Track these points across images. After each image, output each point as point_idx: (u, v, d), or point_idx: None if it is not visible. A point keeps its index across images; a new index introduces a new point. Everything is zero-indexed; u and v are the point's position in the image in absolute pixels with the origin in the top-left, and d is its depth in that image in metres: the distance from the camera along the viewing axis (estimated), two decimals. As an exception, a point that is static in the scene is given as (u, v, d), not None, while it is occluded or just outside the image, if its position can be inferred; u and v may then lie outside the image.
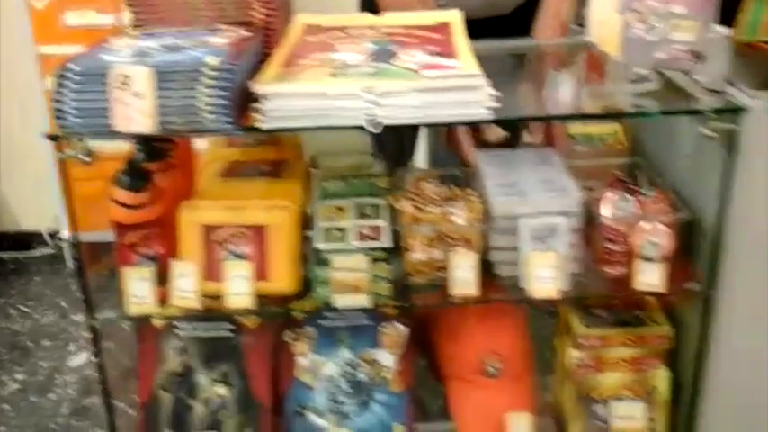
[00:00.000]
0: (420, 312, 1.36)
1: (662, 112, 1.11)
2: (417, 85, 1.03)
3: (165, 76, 1.00)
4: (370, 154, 1.45)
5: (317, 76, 1.08)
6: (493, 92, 1.04)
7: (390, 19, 1.37)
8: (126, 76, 1.01)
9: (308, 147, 1.47)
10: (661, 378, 1.29)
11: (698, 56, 1.12)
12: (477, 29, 1.35)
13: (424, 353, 1.42)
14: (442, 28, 1.33)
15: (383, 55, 1.17)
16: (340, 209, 1.26)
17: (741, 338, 1.21)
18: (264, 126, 1.03)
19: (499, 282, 1.23)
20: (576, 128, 1.53)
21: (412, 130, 1.69)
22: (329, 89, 1.03)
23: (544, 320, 1.48)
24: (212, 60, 1.00)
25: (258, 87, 1.02)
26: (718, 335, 1.22)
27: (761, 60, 1.14)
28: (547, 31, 1.58)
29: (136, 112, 1.02)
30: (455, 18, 1.37)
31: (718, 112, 1.09)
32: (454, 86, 1.04)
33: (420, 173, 1.39)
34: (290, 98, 1.03)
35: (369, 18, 1.39)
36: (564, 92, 1.25)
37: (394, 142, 1.72)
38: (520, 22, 1.62)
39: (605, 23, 1.19)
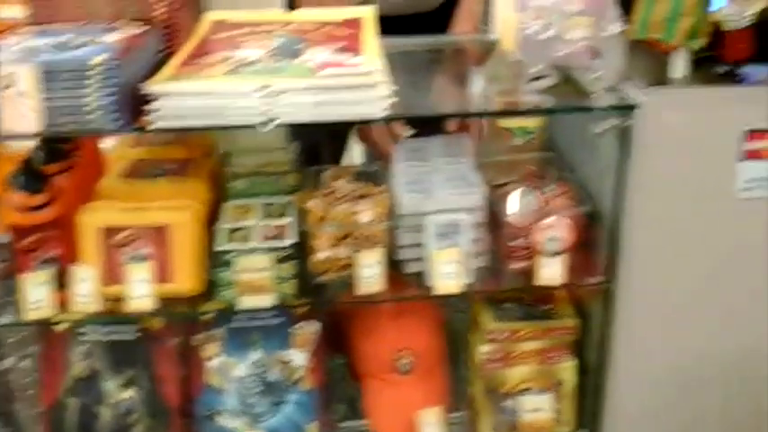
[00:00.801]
0: (334, 310, 1.36)
1: (555, 110, 1.13)
2: (311, 84, 1.03)
3: (50, 76, 0.97)
4: (286, 151, 1.44)
5: (212, 74, 1.07)
6: (390, 89, 1.05)
7: (302, 15, 1.36)
8: (10, 75, 0.98)
9: (223, 144, 1.46)
10: (568, 369, 1.32)
11: (593, 53, 1.15)
12: (402, 25, 1.36)
13: (342, 351, 1.42)
14: (354, 23, 1.33)
15: (286, 52, 1.16)
16: (247, 208, 1.25)
17: (640, 328, 1.25)
18: (155, 126, 1.01)
19: (407, 278, 1.24)
20: (511, 121, 1.55)
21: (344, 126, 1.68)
22: (221, 88, 1.02)
23: (465, 315, 1.50)
24: (99, 59, 0.98)
25: (148, 87, 1.01)
26: (618, 325, 1.25)
27: (654, 57, 1.17)
28: (462, 25, 1.60)
29: (22, 111, 0.99)
30: (367, 14, 1.37)
31: (610, 109, 1.12)
32: (349, 85, 1.04)
33: (337, 169, 1.39)
34: (181, 97, 1.02)
35: (281, 14, 1.38)
36: (464, 89, 1.26)
37: (322, 139, 1.71)
38: (445, 18, 1.64)
39: (506, 21, 1.21)
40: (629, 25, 1.15)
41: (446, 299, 1.24)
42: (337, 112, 1.04)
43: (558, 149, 1.46)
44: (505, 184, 1.31)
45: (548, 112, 1.14)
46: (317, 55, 1.14)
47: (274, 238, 1.19)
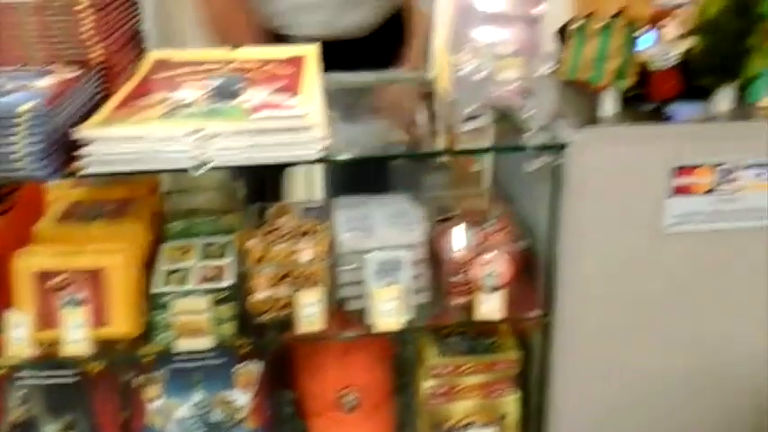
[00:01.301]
0: (279, 348, 1.35)
1: (488, 150, 1.15)
2: (243, 127, 1.03)
3: (-23, 123, 0.97)
4: (228, 190, 1.44)
5: (147, 117, 1.07)
6: (324, 131, 1.06)
7: (246, 53, 1.37)
8: (-62, 122, 0.97)
9: (165, 182, 1.45)
10: (511, 402, 1.33)
11: (525, 93, 1.17)
12: (326, 52, 1.36)
13: (289, 389, 1.41)
14: (296, 61, 1.34)
15: (224, 93, 1.17)
16: (185, 249, 1.24)
17: (579, 359, 1.27)
18: (85, 172, 1.01)
19: (349, 316, 1.25)
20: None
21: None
22: (153, 132, 1.02)
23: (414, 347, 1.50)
24: (27, 106, 0.97)
25: (78, 133, 1.00)
26: (558, 357, 1.27)
27: (585, 96, 1.20)
28: (415, 60, 1.62)
29: (-50, 158, 0.98)
30: (310, 52, 1.38)
31: (541, 148, 1.14)
32: (282, 128, 1.05)
33: (281, 206, 1.39)
34: (112, 142, 1.01)
35: (224, 52, 1.39)
36: (402, 127, 1.27)
37: (267, 176, 1.71)
38: (376, 47, 1.65)
39: (441, 62, 1.23)
40: (560, 66, 1.18)
41: (392, 333, 1.24)
42: (270, 155, 1.05)
43: (499, 183, 1.48)
44: (447, 220, 1.32)
45: (481, 152, 1.16)
46: (254, 96, 1.15)
47: (213, 279, 1.18)
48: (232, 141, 1.03)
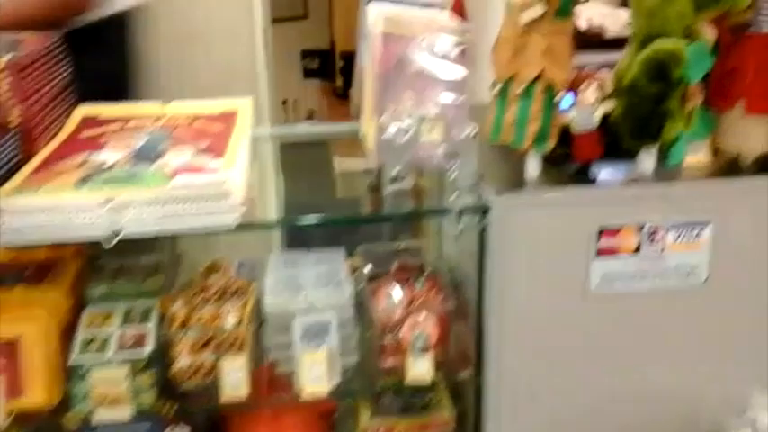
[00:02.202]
0: (207, 414, 1.32)
1: (411, 214, 1.15)
2: (156, 196, 1.02)
3: None
4: (154, 250, 1.41)
5: (61, 184, 1.04)
6: (243, 198, 1.05)
7: (178, 107, 1.36)
8: None
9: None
10: (445, 462, 1.32)
11: (450, 156, 1.17)
12: None
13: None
14: (227, 118, 1.33)
15: (147, 154, 1.15)
16: (106, 315, 1.21)
17: (508, 418, 1.25)
18: (-5, 243, 0.98)
19: (277, 379, 1.22)
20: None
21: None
22: (64, 203, 1.00)
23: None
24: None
25: (-15, 204, 0.98)
26: (490, 416, 1.25)
27: (510, 157, 1.20)
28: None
29: None
30: (244, 106, 1.38)
31: (465, 211, 1.14)
32: (199, 196, 1.03)
33: (214, 263, 1.37)
34: (23, 213, 0.99)
35: (155, 107, 1.37)
36: (328, 189, 1.27)
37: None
38: None
39: (367, 123, 1.23)
40: (484, 129, 1.18)
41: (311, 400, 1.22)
42: (185, 223, 1.03)
43: (433, 238, 1.48)
44: (377, 278, 1.31)
45: (405, 217, 1.15)
46: (176, 158, 1.14)
47: (133, 346, 1.15)
48: (145, 210, 1.01)
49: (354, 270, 1.34)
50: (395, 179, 1.18)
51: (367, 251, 1.40)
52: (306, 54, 5.67)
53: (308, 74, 5.72)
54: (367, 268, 1.33)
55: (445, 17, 1.23)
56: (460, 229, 1.15)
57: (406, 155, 1.16)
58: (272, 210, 1.19)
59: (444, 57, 1.18)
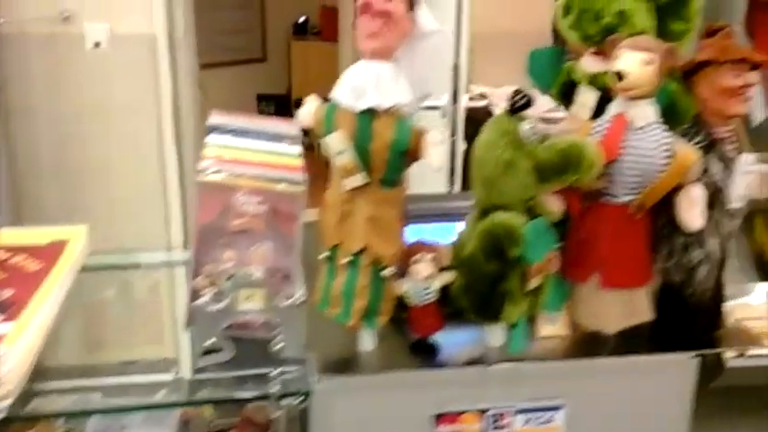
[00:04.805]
0: None
1: (221, 401, 1.01)
2: None
3: None
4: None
5: None
6: (17, 383, 0.91)
7: (6, 234, 1.23)
8: None
9: None
10: None
11: (272, 325, 1.04)
12: None
13: None
14: (54, 249, 1.20)
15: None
16: None
17: None
18: None
19: None
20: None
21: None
22: None
23: None
24: None
25: None
26: None
27: (340, 330, 1.07)
28: None
29: None
30: (77, 235, 1.25)
31: (284, 395, 1.00)
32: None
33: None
34: None
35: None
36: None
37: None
38: None
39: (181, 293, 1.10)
40: (313, 296, 1.06)
41: None
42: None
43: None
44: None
45: (214, 401, 1.02)
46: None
47: None
48: None
49: None
50: (209, 351, 1.05)
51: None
52: (261, 98, 5.57)
53: (263, 119, 5.62)
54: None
55: (292, 153, 1.11)
56: (279, 415, 1.02)
57: (221, 323, 1.04)
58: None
59: (275, 212, 1.06)
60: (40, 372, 0.98)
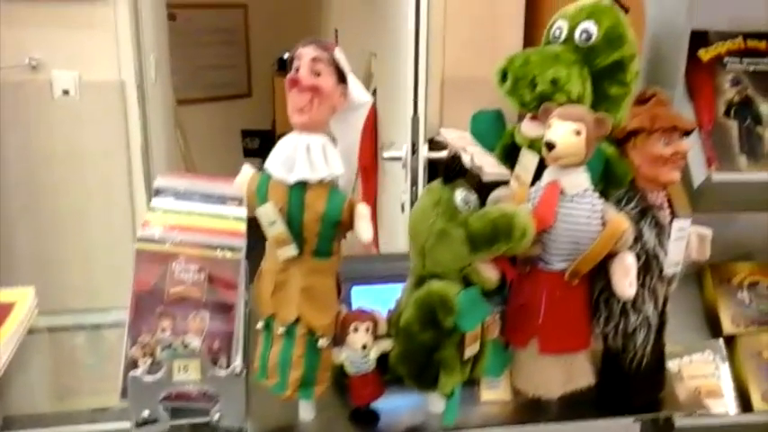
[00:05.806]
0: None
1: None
2: None
3: None
4: None
5: None
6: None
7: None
8: None
9: None
10: None
11: (211, 395, 1.03)
12: None
13: None
14: (4, 311, 1.20)
15: None
16: None
17: None
18: None
19: None
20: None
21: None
22: None
23: None
24: None
25: None
26: None
27: (276, 403, 1.06)
28: None
29: None
30: (23, 298, 1.24)
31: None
32: None
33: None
34: None
35: None
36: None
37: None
38: None
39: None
40: (253, 365, 1.05)
41: None
42: None
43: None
44: None
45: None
46: None
47: None
48: None
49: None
50: (145, 422, 1.04)
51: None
52: (246, 134, 5.59)
53: (247, 153, 5.63)
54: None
55: (237, 216, 1.11)
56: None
57: (158, 394, 1.03)
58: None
59: (214, 279, 1.06)
60: None
